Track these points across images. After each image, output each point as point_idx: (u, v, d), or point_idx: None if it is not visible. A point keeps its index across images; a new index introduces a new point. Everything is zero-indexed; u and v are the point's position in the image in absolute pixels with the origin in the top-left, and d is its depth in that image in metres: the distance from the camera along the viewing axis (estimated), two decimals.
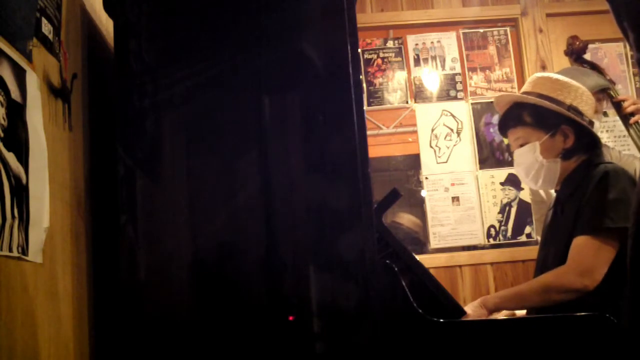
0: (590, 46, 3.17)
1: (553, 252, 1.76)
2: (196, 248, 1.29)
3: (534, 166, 1.81)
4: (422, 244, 3.11)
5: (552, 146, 1.79)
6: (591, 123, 1.82)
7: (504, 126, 1.90)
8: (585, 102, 1.83)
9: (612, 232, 1.56)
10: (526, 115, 1.82)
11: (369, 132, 1.93)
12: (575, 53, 2.57)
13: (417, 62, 3.28)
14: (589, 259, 1.56)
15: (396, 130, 3.21)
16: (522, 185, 3.13)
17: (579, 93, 1.83)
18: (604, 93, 2.44)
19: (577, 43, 2.55)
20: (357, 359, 1.22)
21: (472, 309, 1.58)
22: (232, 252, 1.27)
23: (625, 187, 1.62)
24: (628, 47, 1.09)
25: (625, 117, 2.41)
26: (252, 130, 1.31)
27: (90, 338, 1.27)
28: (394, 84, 3.25)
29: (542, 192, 2.57)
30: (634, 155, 2.48)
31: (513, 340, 1.29)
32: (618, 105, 2.43)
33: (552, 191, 2.35)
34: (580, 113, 1.80)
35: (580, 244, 1.60)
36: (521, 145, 1.83)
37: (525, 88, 1.91)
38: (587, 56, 2.62)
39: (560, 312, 1.47)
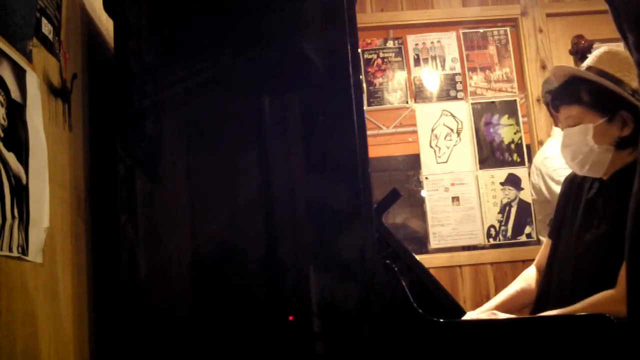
0: None
1: (596, 244, 1.59)
2: (196, 248, 1.29)
3: (583, 150, 1.62)
4: (423, 244, 3.11)
5: (606, 132, 1.60)
6: None
7: (559, 101, 1.71)
8: None
9: None
10: (584, 93, 1.63)
11: (369, 132, 1.93)
12: (580, 52, 2.57)
13: (417, 62, 3.28)
14: None
15: (396, 130, 3.21)
16: (522, 185, 3.13)
17: None
18: None
19: (583, 42, 2.55)
20: (357, 359, 1.22)
21: None
22: (232, 252, 1.27)
23: None
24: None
25: None
26: (252, 130, 1.31)
27: (90, 338, 1.27)
28: (394, 84, 3.25)
29: (545, 191, 2.56)
30: None
31: (513, 340, 1.29)
32: None
33: (556, 189, 2.33)
34: None
35: None
36: (572, 126, 1.65)
37: (588, 62, 1.71)
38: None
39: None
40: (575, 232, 1.68)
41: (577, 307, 1.45)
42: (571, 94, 1.66)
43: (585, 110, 1.63)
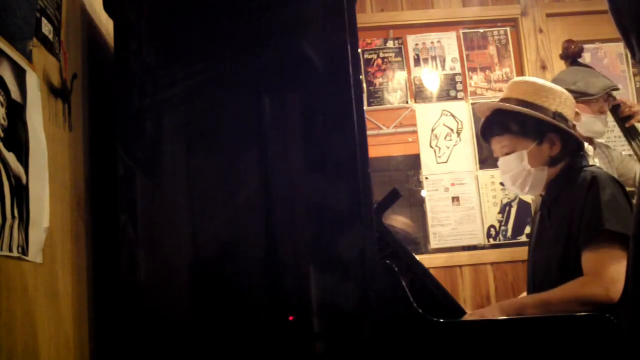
0: (591, 46, 3.18)
1: (542, 256, 1.75)
2: (196, 248, 1.29)
3: (522, 174, 1.78)
4: (415, 244, 3.11)
5: (539, 154, 1.76)
6: (573, 127, 1.81)
7: (488, 133, 1.86)
8: (568, 106, 1.80)
9: (615, 239, 1.53)
10: (511, 123, 1.78)
11: (369, 132, 1.93)
12: (571, 57, 2.57)
13: (417, 62, 3.28)
14: (608, 269, 1.50)
15: (396, 130, 3.21)
16: None
17: (562, 98, 1.79)
18: (609, 95, 2.44)
19: (572, 47, 2.55)
20: (357, 359, 1.22)
21: (489, 313, 1.56)
22: (232, 252, 1.27)
23: (614, 191, 1.61)
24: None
25: (620, 120, 2.41)
26: (252, 130, 1.31)
27: (90, 338, 1.27)
28: (394, 84, 3.25)
29: None
30: (635, 158, 2.48)
31: (513, 340, 1.29)
32: (615, 108, 2.44)
33: None
34: (565, 119, 1.77)
35: (593, 256, 1.55)
36: (507, 154, 1.80)
37: (505, 94, 1.87)
38: (587, 56, 2.62)
39: None
40: (532, 242, 1.87)
41: (551, 293, 1.57)
42: (500, 126, 1.82)
43: (516, 138, 1.79)
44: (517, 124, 1.78)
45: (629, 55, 3.26)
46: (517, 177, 1.80)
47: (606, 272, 1.51)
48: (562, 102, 1.79)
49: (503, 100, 1.85)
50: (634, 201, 1.54)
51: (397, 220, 3.10)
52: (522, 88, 1.82)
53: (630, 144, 2.40)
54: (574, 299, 1.52)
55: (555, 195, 1.76)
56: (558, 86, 1.84)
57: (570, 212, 1.65)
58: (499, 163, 1.85)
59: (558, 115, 1.76)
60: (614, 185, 1.63)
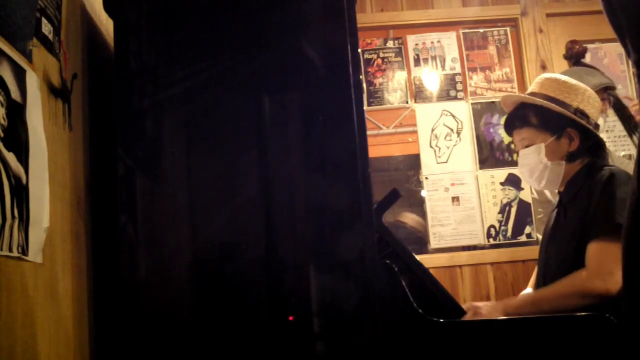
0: (590, 46, 3.18)
1: (555, 253, 1.75)
2: (196, 248, 1.29)
3: (538, 167, 1.80)
4: (424, 242, 3.11)
5: (557, 148, 1.79)
6: (597, 126, 1.82)
7: (510, 126, 1.89)
8: (591, 104, 1.82)
9: None
10: (532, 116, 1.81)
11: (369, 132, 1.93)
12: (575, 57, 2.58)
13: (417, 62, 3.28)
14: (608, 262, 1.49)
15: (396, 130, 3.21)
16: (522, 185, 3.13)
17: (585, 95, 1.81)
18: (606, 92, 2.45)
19: (577, 47, 2.56)
20: (357, 359, 1.22)
21: (487, 311, 1.55)
22: (232, 251, 1.27)
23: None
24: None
25: (625, 118, 2.42)
26: (252, 130, 1.31)
27: (90, 338, 1.27)
28: (394, 84, 3.25)
29: (547, 192, 2.57)
30: (631, 157, 2.49)
31: (513, 340, 1.29)
32: (620, 106, 2.44)
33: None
34: (586, 116, 1.79)
35: (597, 248, 1.56)
36: (526, 146, 1.83)
37: (532, 88, 1.90)
38: (587, 56, 2.62)
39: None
40: (545, 239, 1.87)
41: (551, 288, 1.61)
42: (521, 119, 1.85)
43: (536, 131, 1.82)
44: (537, 116, 1.81)
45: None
46: (534, 170, 1.82)
47: (607, 265, 1.50)
48: (585, 99, 1.81)
49: (529, 95, 1.87)
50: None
51: (408, 218, 3.10)
52: (546, 84, 1.85)
53: (633, 142, 2.40)
54: (572, 294, 1.53)
55: (573, 193, 1.76)
56: (582, 84, 1.86)
57: (585, 209, 1.66)
58: (519, 156, 1.88)
59: (579, 112, 1.78)
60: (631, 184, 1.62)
